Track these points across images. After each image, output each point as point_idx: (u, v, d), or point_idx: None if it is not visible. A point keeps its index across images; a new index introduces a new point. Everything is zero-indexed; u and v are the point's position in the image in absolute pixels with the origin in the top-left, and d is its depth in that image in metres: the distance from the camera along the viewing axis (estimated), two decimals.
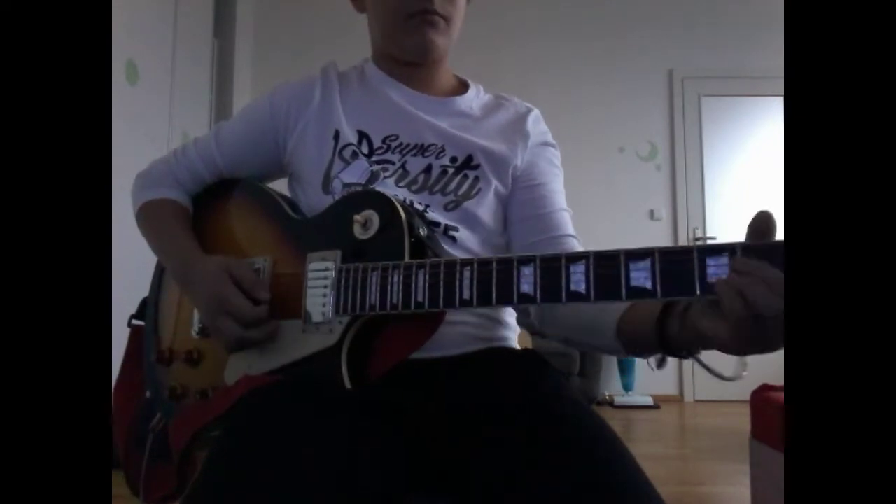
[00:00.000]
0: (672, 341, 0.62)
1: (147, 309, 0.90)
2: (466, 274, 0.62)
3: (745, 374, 0.57)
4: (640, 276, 0.54)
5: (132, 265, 0.91)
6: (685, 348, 0.61)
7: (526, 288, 0.59)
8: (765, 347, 0.52)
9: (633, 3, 4.52)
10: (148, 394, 0.85)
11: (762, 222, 0.51)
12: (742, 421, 1.99)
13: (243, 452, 0.59)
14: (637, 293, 0.55)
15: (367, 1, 0.88)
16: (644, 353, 0.68)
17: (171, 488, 0.78)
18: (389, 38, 0.87)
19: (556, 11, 4.51)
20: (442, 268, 0.63)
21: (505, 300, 0.60)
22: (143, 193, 0.90)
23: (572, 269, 0.57)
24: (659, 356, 0.65)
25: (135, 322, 0.91)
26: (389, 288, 0.65)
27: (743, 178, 4.36)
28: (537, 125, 0.91)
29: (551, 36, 4.49)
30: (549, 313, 0.82)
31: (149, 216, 0.88)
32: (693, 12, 4.49)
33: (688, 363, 4.25)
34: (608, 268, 0.56)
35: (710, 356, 0.60)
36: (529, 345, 3.10)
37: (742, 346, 0.53)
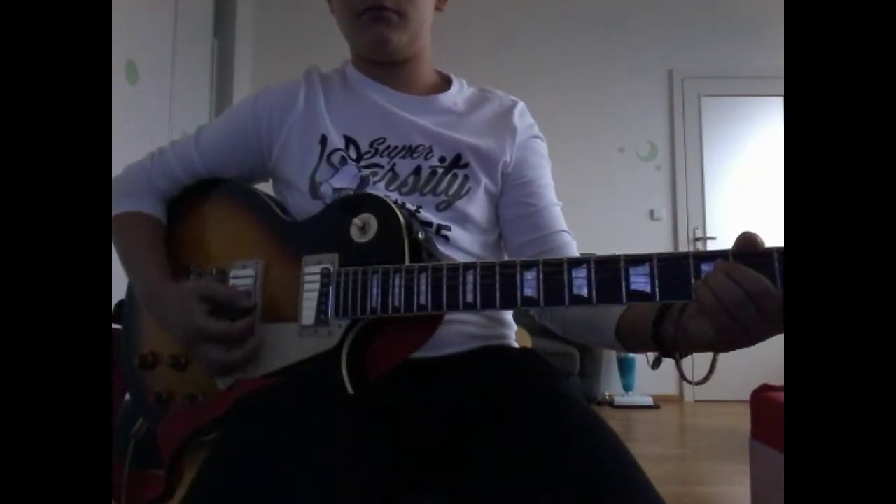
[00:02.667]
0: (666, 342, 0.64)
1: (124, 311, 0.88)
2: (469, 277, 0.62)
3: (711, 377, 0.61)
4: (640, 280, 0.57)
5: None
6: (678, 349, 0.64)
7: (529, 292, 0.60)
8: (744, 343, 0.56)
9: (633, 3, 4.52)
10: (128, 398, 0.83)
11: (746, 244, 0.55)
12: (742, 421, 1.99)
13: (242, 454, 0.58)
14: (637, 296, 0.57)
15: (333, 3, 0.87)
16: (641, 351, 0.71)
17: (157, 494, 0.77)
18: (349, 38, 0.87)
19: (555, 11, 4.51)
20: (444, 271, 0.63)
21: (508, 303, 0.61)
22: (115, 203, 0.86)
23: (574, 273, 0.59)
24: (654, 356, 0.67)
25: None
26: (391, 291, 0.65)
27: (743, 178, 4.36)
28: (524, 118, 0.90)
29: (551, 36, 4.49)
30: (551, 310, 0.83)
31: (119, 231, 0.85)
32: (693, 12, 4.48)
33: (687, 363, 4.24)
34: (609, 272, 0.58)
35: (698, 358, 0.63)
36: (529, 344, 3.10)
37: (724, 343, 0.57)
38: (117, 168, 0.79)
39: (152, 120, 3.12)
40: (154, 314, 0.80)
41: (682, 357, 0.63)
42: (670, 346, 0.64)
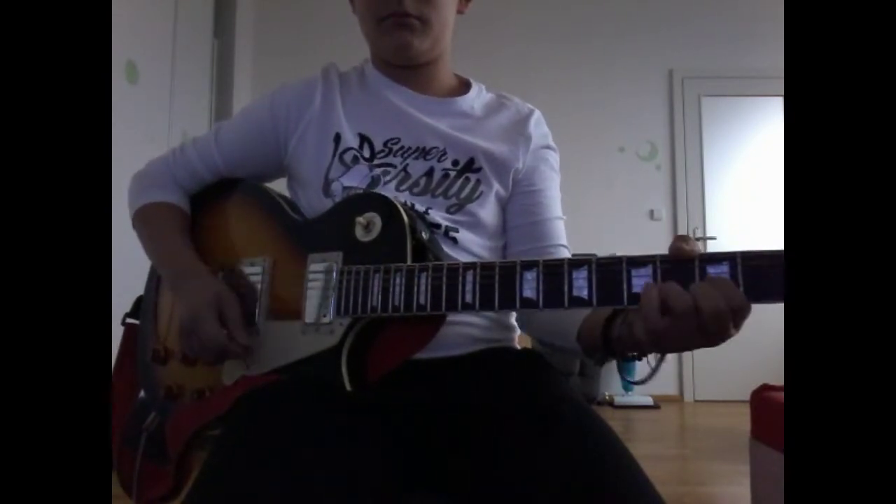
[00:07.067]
0: (617, 345, 0.64)
1: (142, 307, 0.90)
2: (469, 277, 0.62)
3: (651, 378, 0.62)
4: (641, 282, 0.56)
5: (130, 264, 0.91)
6: (629, 351, 0.63)
7: (528, 293, 0.59)
8: (678, 349, 0.57)
9: (633, 3, 4.52)
10: (142, 392, 0.84)
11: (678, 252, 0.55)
12: (742, 421, 1.99)
13: (244, 452, 0.59)
14: (638, 299, 0.56)
15: (356, 4, 0.88)
16: (597, 356, 0.69)
17: (166, 489, 0.78)
18: (370, 41, 0.88)
19: (555, 11, 4.51)
20: (444, 271, 0.63)
21: (507, 304, 0.60)
22: (141, 196, 0.88)
23: (575, 274, 0.58)
24: (600, 355, 0.67)
25: (129, 320, 0.91)
26: (391, 290, 0.65)
27: (743, 178, 4.35)
28: (539, 128, 0.90)
29: (551, 36, 4.49)
30: (529, 316, 0.84)
31: (146, 220, 0.87)
32: (693, 12, 4.48)
33: (687, 363, 4.26)
34: (610, 273, 0.57)
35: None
36: (529, 344, 3.10)
37: (654, 348, 0.58)
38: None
39: (152, 120, 3.11)
40: (175, 293, 0.81)
41: (637, 357, 0.63)
42: (621, 349, 0.64)
